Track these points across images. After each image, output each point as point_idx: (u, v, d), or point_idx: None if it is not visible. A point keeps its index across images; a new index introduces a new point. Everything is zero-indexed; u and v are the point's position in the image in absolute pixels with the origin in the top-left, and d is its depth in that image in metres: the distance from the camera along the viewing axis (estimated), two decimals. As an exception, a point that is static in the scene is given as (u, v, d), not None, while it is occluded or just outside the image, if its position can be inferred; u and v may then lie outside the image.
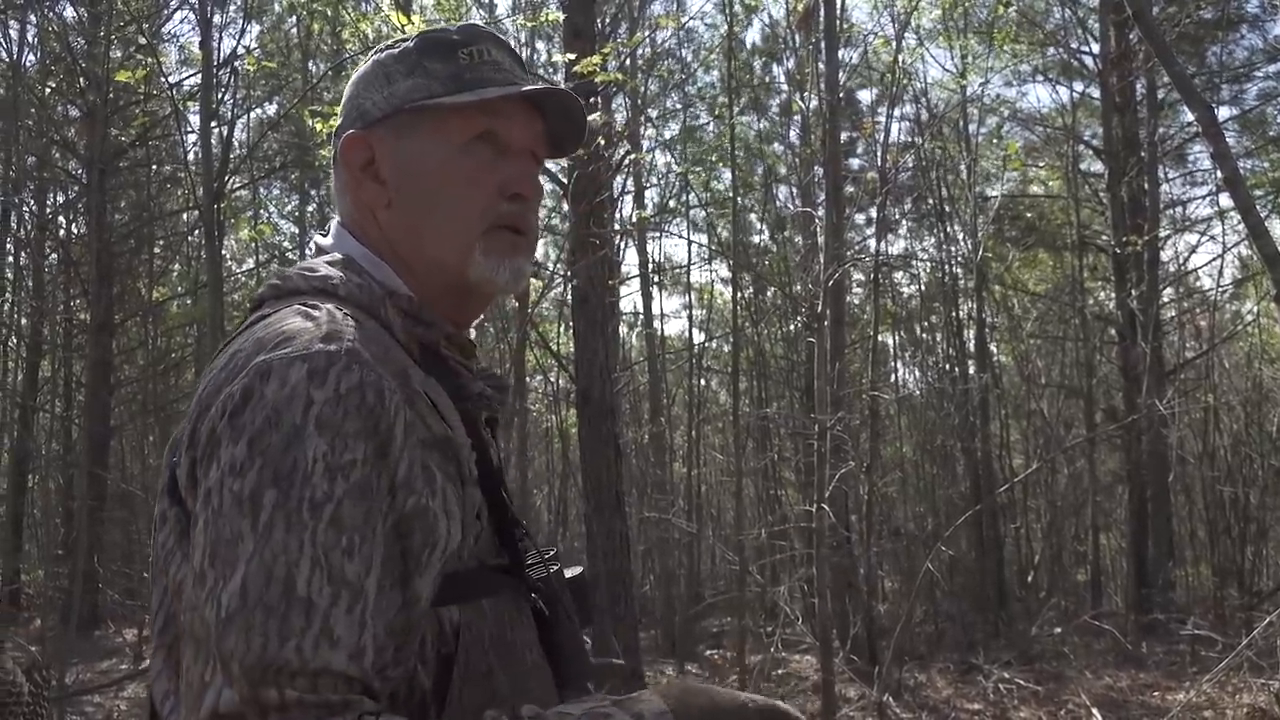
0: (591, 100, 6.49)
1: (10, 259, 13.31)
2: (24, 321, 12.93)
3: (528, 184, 1.04)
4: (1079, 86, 13.47)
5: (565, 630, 1.04)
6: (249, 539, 0.79)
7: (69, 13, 11.47)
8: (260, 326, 0.91)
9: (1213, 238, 13.02)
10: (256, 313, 0.97)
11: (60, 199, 13.88)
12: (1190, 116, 11.73)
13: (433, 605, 0.87)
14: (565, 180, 7.89)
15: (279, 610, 0.77)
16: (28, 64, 12.10)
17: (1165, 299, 12.31)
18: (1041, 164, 14.51)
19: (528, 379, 13.20)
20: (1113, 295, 12.61)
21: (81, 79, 11.65)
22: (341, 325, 0.88)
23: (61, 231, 13.91)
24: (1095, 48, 12.59)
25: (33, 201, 13.11)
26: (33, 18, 11.01)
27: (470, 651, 0.90)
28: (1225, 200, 11.90)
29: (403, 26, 5.37)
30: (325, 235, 1.07)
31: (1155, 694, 8.03)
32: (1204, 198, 13.17)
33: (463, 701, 0.88)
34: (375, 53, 1.08)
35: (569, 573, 1.10)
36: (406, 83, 1.03)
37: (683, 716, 0.86)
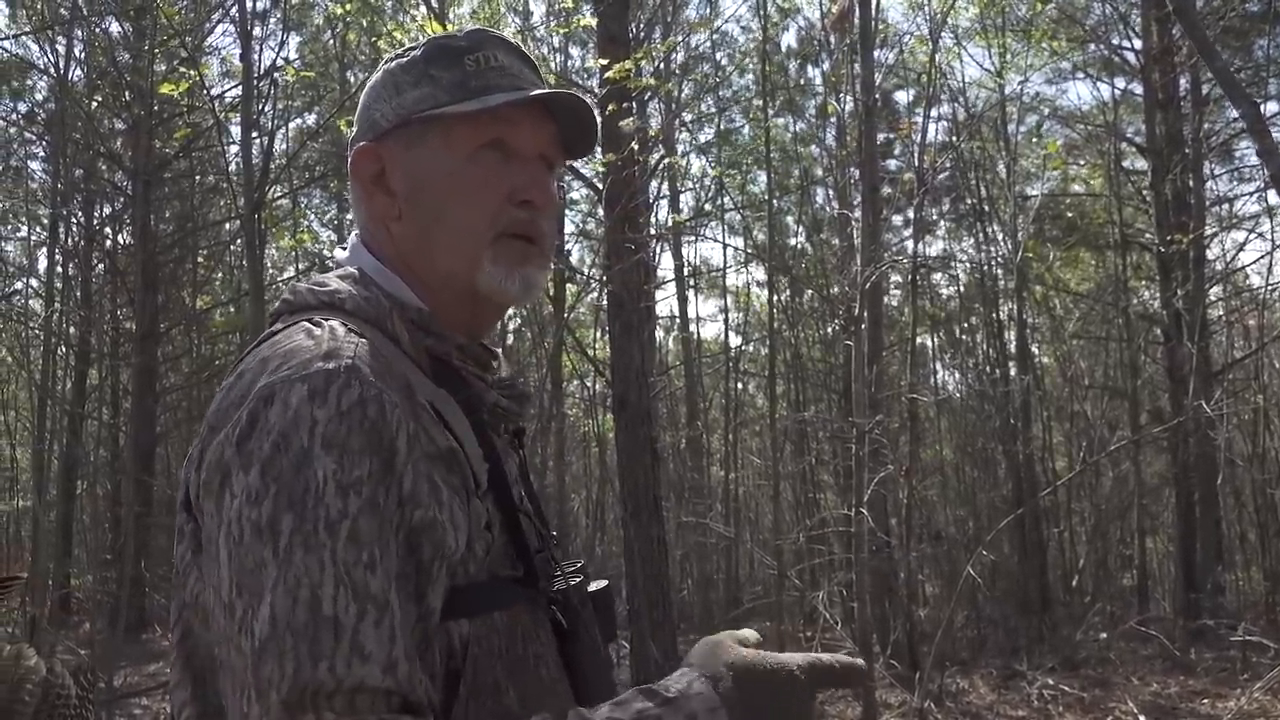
0: (625, 105, 6.50)
1: (59, 269, 13.60)
2: (72, 330, 13.18)
3: (538, 190, 1.02)
4: (1121, 83, 13.26)
5: (585, 645, 1.02)
6: (271, 566, 0.79)
7: (114, 28, 11.70)
8: (267, 345, 0.91)
9: (1261, 235, 12.79)
10: (270, 329, 0.98)
11: (107, 210, 14.16)
12: (1237, 111, 11.50)
13: (443, 619, 0.87)
14: (600, 185, 7.91)
15: (308, 632, 0.77)
16: (74, 78, 12.38)
17: (1212, 298, 12.07)
18: (1083, 162, 14.30)
19: (564, 384, 13.24)
20: (1157, 294, 12.39)
21: (126, 92, 11.88)
22: (342, 342, 0.88)
23: (108, 242, 14.18)
24: (1137, 43, 12.40)
25: (80, 213, 13.38)
26: (79, 33, 11.25)
27: (478, 665, 0.89)
28: (1274, 197, 11.65)
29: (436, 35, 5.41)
30: (344, 250, 1.08)
31: (1205, 701, 7.86)
32: (1252, 194, 12.95)
33: (469, 716, 0.87)
34: (385, 62, 1.07)
35: (593, 586, 1.07)
36: (414, 93, 1.02)
37: (736, 706, 0.84)
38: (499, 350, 1.10)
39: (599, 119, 1.07)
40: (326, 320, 0.92)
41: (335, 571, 0.78)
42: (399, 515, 0.83)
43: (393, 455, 0.84)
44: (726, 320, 16.06)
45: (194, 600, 0.89)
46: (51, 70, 11.78)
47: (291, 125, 13.81)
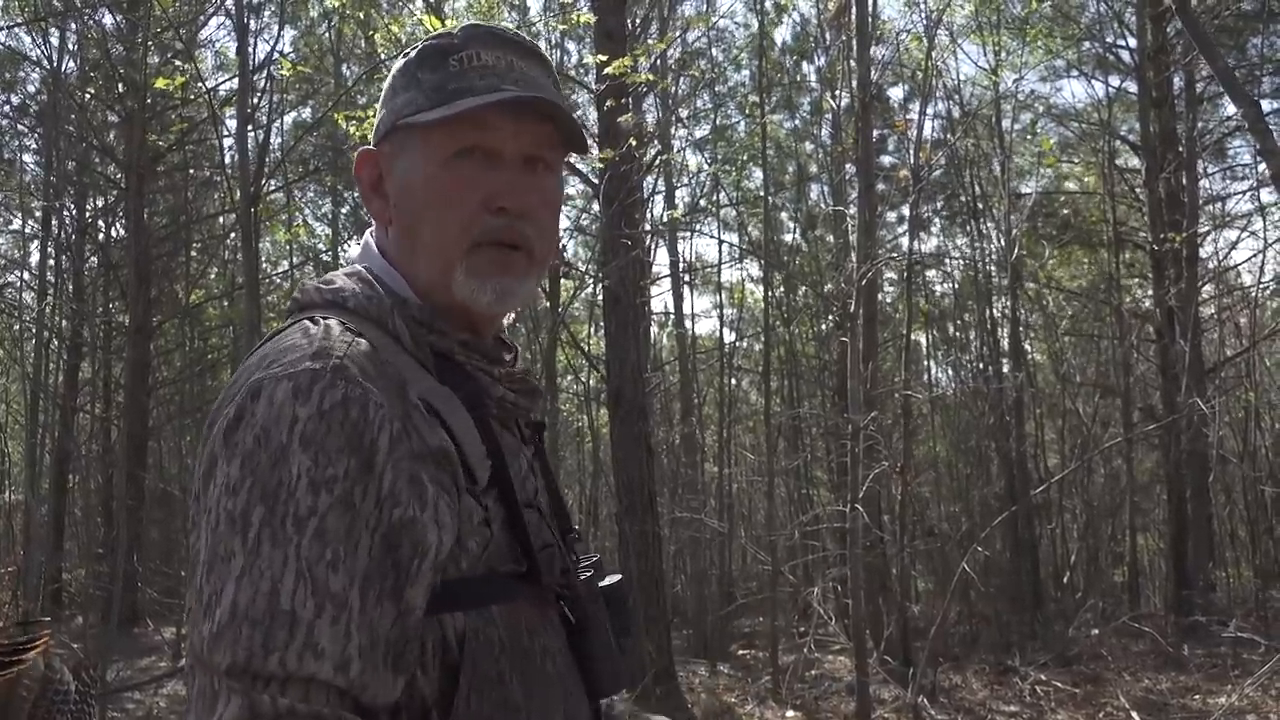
0: (622, 101, 6.50)
1: (51, 262, 13.54)
2: (65, 324, 13.14)
3: (515, 196, 0.99)
4: (1115, 81, 13.31)
5: (597, 639, 1.03)
6: (240, 556, 0.81)
7: (108, 20, 11.65)
8: (270, 343, 0.94)
9: (1253, 233, 12.84)
10: (280, 326, 1.00)
11: (100, 203, 14.10)
12: (1230, 110, 11.54)
13: (433, 612, 0.88)
14: (596, 181, 7.91)
15: (263, 624, 0.78)
16: (68, 71, 12.31)
17: (1204, 296, 12.12)
18: (1076, 160, 14.34)
19: (559, 379, 13.24)
20: (1150, 292, 12.43)
21: (120, 85, 11.82)
22: (335, 341, 0.90)
23: (101, 235, 14.13)
24: (1132, 41, 12.43)
25: (73, 206, 13.32)
26: (73, 25, 11.19)
27: (478, 658, 0.90)
28: (1266, 195, 11.70)
29: (434, 30, 5.40)
30: (358, 245, 1.10)
31: (1196, 697, 7.91)
32: (1244, 193, 12.98)
33: (471, 708, 0.88)
34: (397, 60, 1.09)
35: (606, 581, 1.08)
36: (403, 96, 1.02)
37: None
38: (514, 344, 1.10)
39: (571, 111, 1.06)
40: (325, 319, 0.94)
41: (298, 566, 0.80)
42: (376, 515, 0.84)
43: (373, 455, 0.84)
44: (721, 316, 16.08)
45: None
46: (44, 62, 11.74)
47: (287, 119, 13.77)
